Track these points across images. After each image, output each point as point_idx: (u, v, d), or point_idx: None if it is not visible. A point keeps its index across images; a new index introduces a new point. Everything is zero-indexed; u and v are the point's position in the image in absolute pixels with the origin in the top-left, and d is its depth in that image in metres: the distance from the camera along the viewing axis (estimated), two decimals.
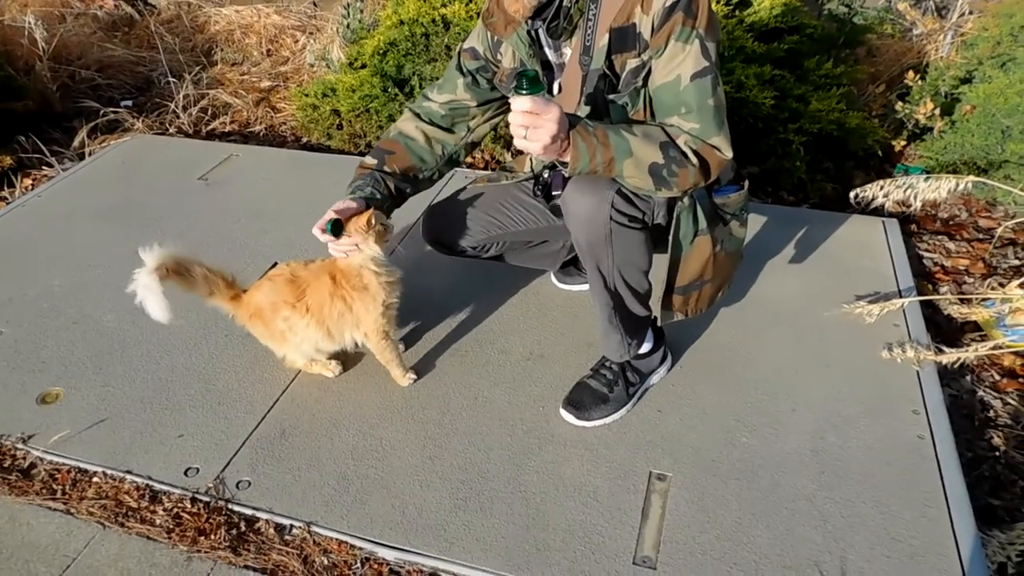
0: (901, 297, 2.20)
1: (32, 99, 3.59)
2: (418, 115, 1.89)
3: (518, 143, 1.45)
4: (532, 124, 1.40)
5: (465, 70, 1.82)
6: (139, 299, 1.73)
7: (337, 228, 1.67)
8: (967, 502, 1.64)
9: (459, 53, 1.84)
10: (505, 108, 1.88)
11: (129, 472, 1.76)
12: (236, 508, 1.67)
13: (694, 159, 1.52)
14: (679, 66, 1.52)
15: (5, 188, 3.10)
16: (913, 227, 2.66)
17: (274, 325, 1.87)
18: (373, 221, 1.69)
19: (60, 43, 4.04)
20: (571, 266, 2.32)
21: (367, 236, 1.70)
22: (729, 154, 1.56)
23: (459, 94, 1.85)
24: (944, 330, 2.21)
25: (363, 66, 3.27)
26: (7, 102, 3.35)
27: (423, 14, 3.01)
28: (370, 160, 1.85)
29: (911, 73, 2.74)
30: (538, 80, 1.40)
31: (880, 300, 2.15)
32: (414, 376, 2.01)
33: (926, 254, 2.54)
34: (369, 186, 1.79)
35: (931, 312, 2.24)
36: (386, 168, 1.83)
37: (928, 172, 2.72)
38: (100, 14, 4.69)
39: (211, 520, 1.64)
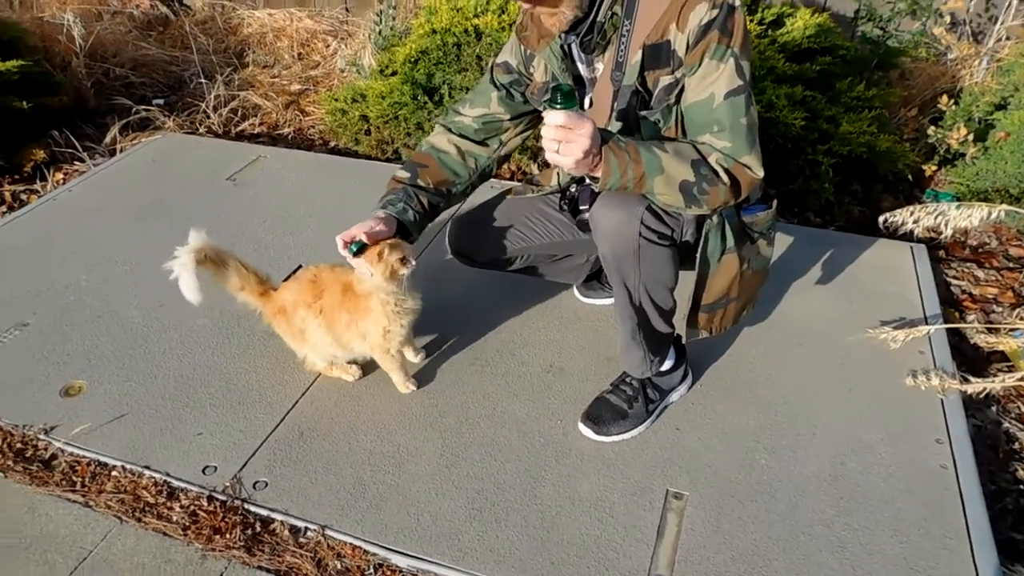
0: (927, 324, 2.17)
1: (67, 95, 3.64)
2: (449, 129, 1.89)
3: (550, 157, 1.45)
4: (565, 139, 1.41)
5: (498, 84, 1.83)
6: (175, 275, 1.77)
7: (360, 249, 1.67)
8: (989, 535, 1.61)
9: (492, 67, 1.85)
10: (536, 121, 1.89)
11: (148, 467, 1.78)
12: (252, 508, 1.68)
13: (725, 177, 1.52)
14: (713, 84, 1.51)
15: (37, 181, 3.15)
16: (941, 253, 2.63)
17: (294, 323, 1.89)
18: (386, 254, 1.68)
19: (96, 41, 4.10)
20: (594, 280, 2.32)
21: (378, 269, 1.70)
22: (760, 173, 1.56)
23: (492, 108, 1.86)
24: (970, 359, 2.17)
25: (393, 73, 3.29)
26: (43, 97, 3.40)
27: (456, 24, 3.03)
28: (402, 173, 1.86)
29: (945, 98, 2.71)
30: (572, 95, 1.41)
31: (905, 326, 2.13)
32: (414, 386, 2.00)
33: (954, 281, 2.51)
34: (401, 201, 1.79)
35: (957, 340, 2.21)
36: (419, 182, 1.83)
37: (959, 198, 2.69)
38: (136, 13, 4.76)
39: (227, 519, 1.65)
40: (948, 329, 2.19)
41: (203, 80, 3.98)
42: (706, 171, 1.51)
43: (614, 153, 1.46)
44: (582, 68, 1.70)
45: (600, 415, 1.88)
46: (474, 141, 1.89)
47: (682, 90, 1.56)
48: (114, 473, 1.77)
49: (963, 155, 2.70)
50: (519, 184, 2.11)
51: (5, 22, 3.66)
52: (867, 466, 1.77)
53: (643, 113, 1.61)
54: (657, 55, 1.55)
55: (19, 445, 1.84)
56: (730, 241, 1.67)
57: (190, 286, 1.78)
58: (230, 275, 1.89)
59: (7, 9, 4.23)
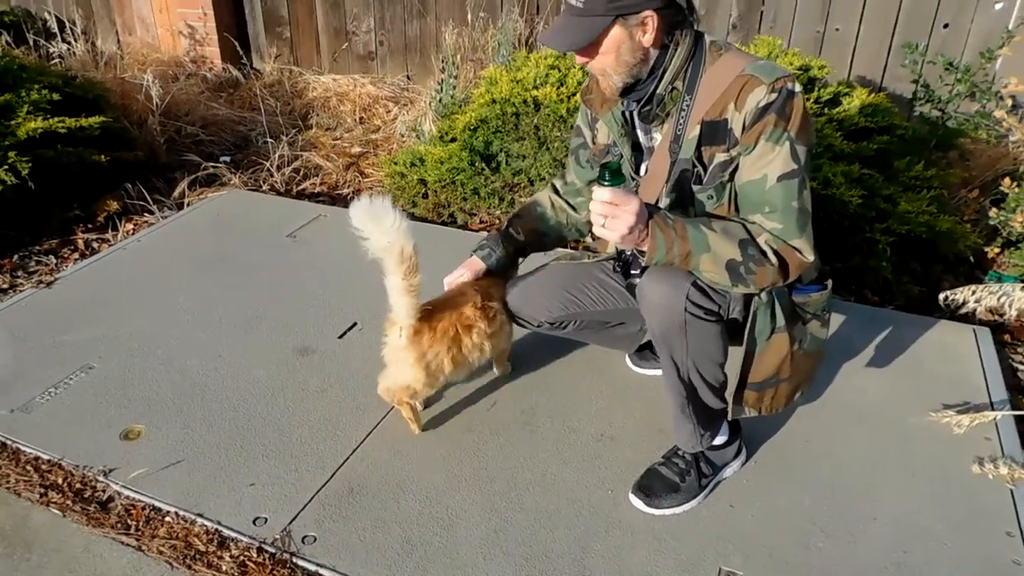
0: (993, 409, 2.11)
1: (141, 150, 3.83)
2: (555, 188, 2.06)
3: (597, 231, 1.50)
4: (611, 214, 1.46)
5: (571, 149, 1.90)
6: (389, 240, 1.72)
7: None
8: None
9: (572, 138, 1.94)
10: None
11: (200, 515, 1.79)
12: (300, 562, 1.68)
13: (773, 258, 1.52)
14: (767, 165, 1.53)
15: (109, 231, 3.29)
16: (1007, 337, 2.57)
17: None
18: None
19: (171, 100, 4.33)
20: (647, 350, 2.31)
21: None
22: (811, 258, 1.56)
23: (570, 176, 1.98)
24: None
25: (453, 139, 3.39)
26: (119, 151, 3.58)
27: (515, 95, 3.13)
28: (505, 222, 2.08)
29: (1007, 180, 2.69)
30: (620, 172, 1.46)
31: (970, 410, 2.07)
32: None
33: (1021, 367, 2.43)
34: (488, 247, 2.04)
35: None
36: (511, 230, 2.04)
37: (1023, 281, 2.63)
38: (209, 76, 5.01)
39: (275, 571, 1.65)
40: (1016, 416, 2.12)
41: (268, 140, 4.15)
42: (754, 251, 1.52)
43: (661, 229, 1.49)
44: (641, 136, 1.74)
45: (652, 487, 1.84)
46: (567, 203, 2.03)
47: (736, 168, 1.59)
48: (167, 519, 1.79)
49: None
50: (576, 251, 2.14)
51: (91, 81, 3.90)
52: (932, 556, 1.70)
53: (697, 187, 1.63)
54: (714, 132, 1.58)
55: (79, 485, 1.88)
56: (780, 320, 1.65)
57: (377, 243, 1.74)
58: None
59: (93, 69, 4.49)
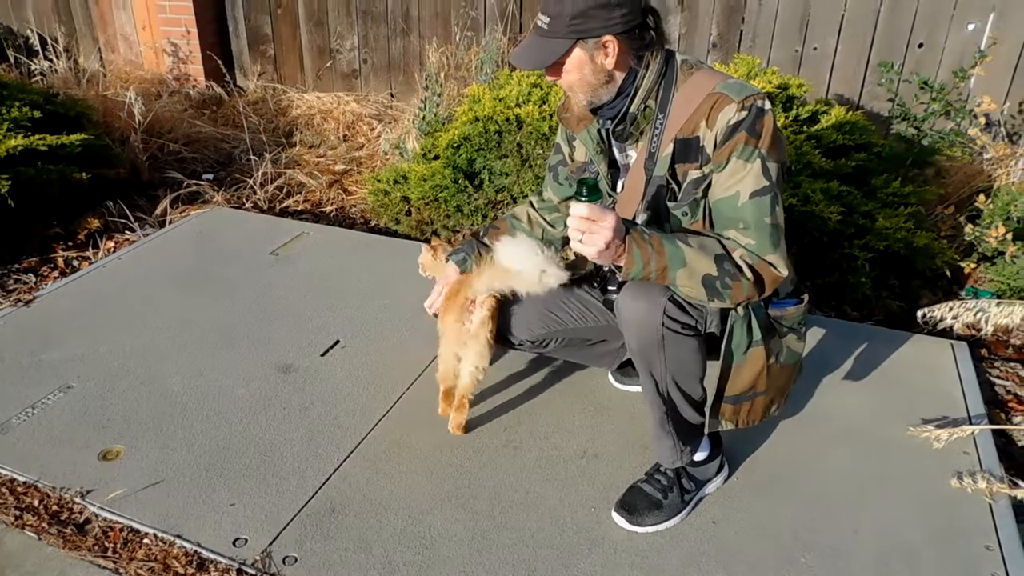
0: (971, 424, 2.13)
1: (123, 167, 3.81)
2: (532, 204, 2.07)
3: (574, 246, 1.51)
4: (588, 229, 1.47)
5: (551, 166, 1.92)
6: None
7: None
8: None
9: (552, 155, 1.97)
10: None
11: (179, 536, 1.77)
12: None
13: (749, 273, 1.54)
14: (739, 183, 1.56)
15: (90, 249, 3.26)
16: (983, 352, 2.60)
17: None
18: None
19: (154, 117, 4.32)
20: (629, 366, 2.31)
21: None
22: (784, 272, 1.58)
23: (547, 192, 2.01)
24: (1018, 462, 2.11)
25: (436, 157, 3.40)
26: (101, 169, 3.55)
27: (498, 112, 3.15)
28: (481, 230, 2.12)
29: (982, 197, 2.74)
30: (597, 188, 1.48)
31: (948, 425, 2.09)
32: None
33: (998, 381, 2.46)
34: (463, 252, 2.05)
35: (1004, 443, 2.16)
36: (485, 240, 2.05)
37: (999, 296, 2.67)
38: (192, 93, 5.01)
39: None
40: (994, 430, 2.14)
41: (252, 157, 4.14)
42: (729, 266, 1.54)
43: (637, 244, 1.50)
44: (617, 154, 1.77)
45: (634, 504, 1.84)
46: (544, 219, 2.05)
47: (709, 185, 1.61)
48: (146, 541, 1.77)
49: (1003, 253, 2.70)
50: None
51: (73, 98, 3.88)
52: (913, 570, 1.71)
53: (671, 204, 1.66)
54: (687, 150, 1.61)
55: (55, 507, 1.85)
56: (756, 334, 1.66)
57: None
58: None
59: (75, 87, 4.47)
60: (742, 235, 1.57)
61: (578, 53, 1.57)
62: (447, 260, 2.07)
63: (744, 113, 1.53)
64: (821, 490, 1.94)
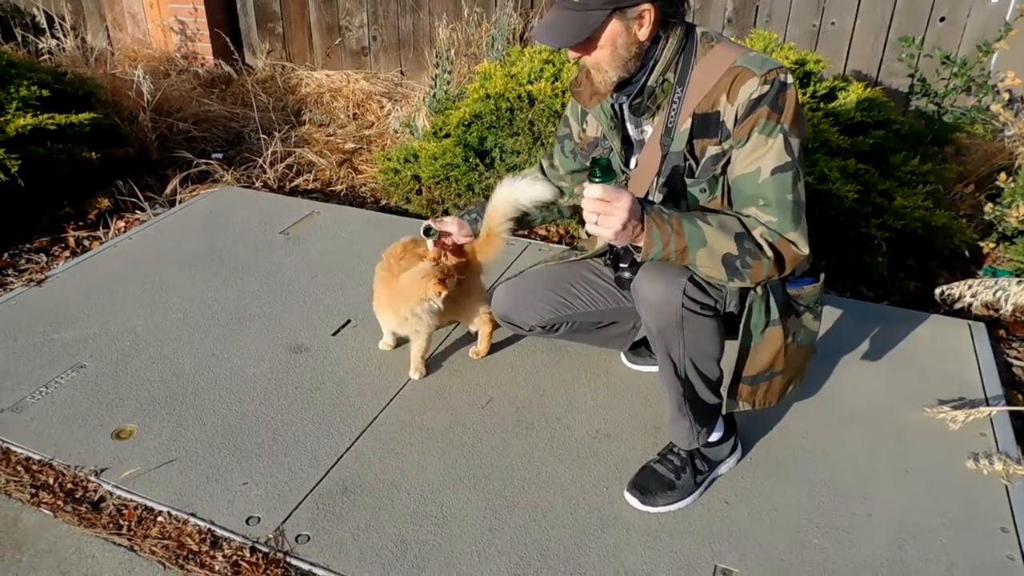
0: (988, 405, 2.10)
1: (132, 147, 3.80)
2: (542, 167, 2.05)
3: (590, 228, 1.47)
4: (603, 211, 1.43)
5: (558, 136, 1.93)
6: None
7: (427, 233, 2.00)
8: None
9: (562, 122, 1.94)
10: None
11: (193, 515, 1.78)
12: (294, 562, 1.67)
13: (769, 252, 1.51)
14: (761, 159, 1.52)
15: (100, 228, 3.26)
16: (1002, 333, 2.56)
17: None
18: (429, 281, 1.98)
19: (163, 96, 4.30)
20: (642, 347, 2.30)
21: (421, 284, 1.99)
22: (806, 250, 1.55)
23: (555, 161, 1.97)
24: None
25: (447, 135, 3.37)
26: (110, 148, 3.55)
27: (509, 90, 3.11)
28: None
29: (1004, 175, 2.68)
30: (610, 168, 1.45)
31: (965, 406, 2.06)
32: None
33: (1016, 362, 2.43)
34: (475, 212, 2.07)
35: (1021, 424, 2.13)
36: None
37: (1018, 276, 2.63)
38: (201, 72, 4.98)
39: (269, 571, 1.64)
40: (1011, 412, 2.11)
41: (261, 136, 4.12)
42: (750, 245, 1.51)
43: (656, 224, 1.47)
44: (631, 129, 1.73)
45: (647, 485, 1.84)
46: (553, 184, 2.01)
47: (728, 161, 1.57)
48: (160, 519, 1.78)
49: (1023, 233, 2.66)
50: (565, 250, 2.13)
51: (81, 77, 3.86)
52: (927, 552, 1.70)
53: (689, 181, 1.62)
54: (706, 125, 1.57)
55: (70, 485, 1.86)
56: (774, 314, 1.64)
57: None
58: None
59: (83, 66, 4.46)
60: (763, 212, 1.53)
61: (614, 25, 1.51)
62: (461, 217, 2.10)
63: (767, 87, 1.49)
64: (835, 472, 1.93)
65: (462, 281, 2.08)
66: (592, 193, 1.43)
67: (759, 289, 1.61)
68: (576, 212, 2.00)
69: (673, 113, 1.60)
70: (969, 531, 1.75)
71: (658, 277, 1.58)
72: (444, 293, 1.99)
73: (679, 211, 1.54)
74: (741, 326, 1.65)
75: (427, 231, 1.99)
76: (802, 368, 1.80)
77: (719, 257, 1.50)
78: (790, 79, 1.52)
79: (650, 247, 1.48)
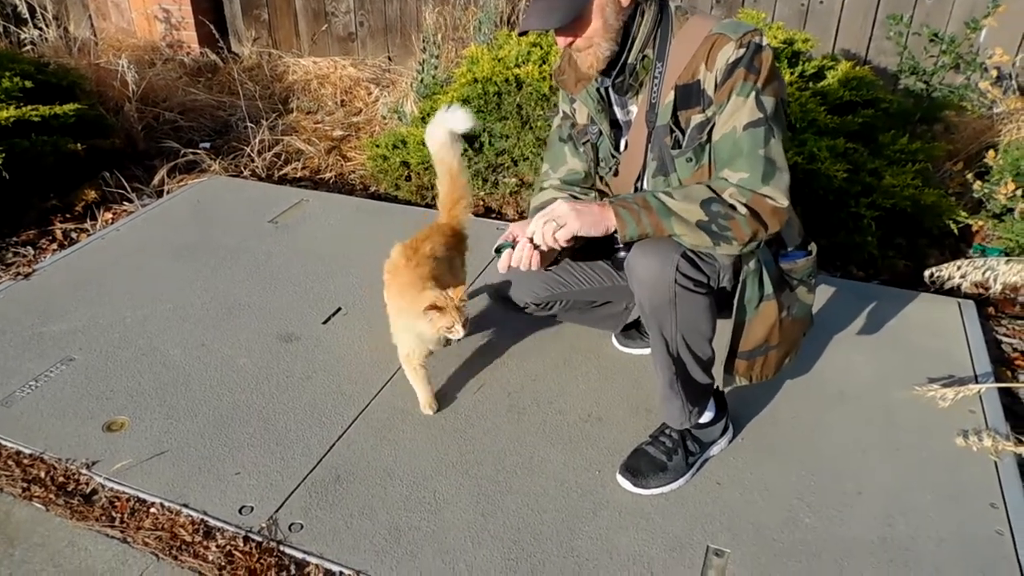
0: (977, 382, 2.12)
1: (118, 138, 3.76)
2: (554, 186, 1.91)
3: (562, 235, 1.57)
4: (556, 223, 1.56)
5: (564, 137, 1.87)
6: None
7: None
8: None
9: (557, 126, 1.91)
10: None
11: (186, 505, 1.78)
12: (287, 551, 1.67)
13: (743, 209, 1.53)
14: (734, 117, 1.55)
15: (88, 220, 3.24)
16: (990, 310, 2.57)
17: None
18: (440, 317, 1.85)
19: (148, 86, 4.25)
20: (633, 329, 2.30)
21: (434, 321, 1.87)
22: (784, 202, 1.55)
23: (570, 163, 1.88)
24: None
25: None
26: (96, 139, 3.51)
27: (497, 73, 3.09)
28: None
29: (992, 152, 2.68)
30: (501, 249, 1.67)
31: (955, 384, 2.07)
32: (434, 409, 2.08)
33: (1005, 339, 2.44)
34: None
35: (1010, 401, 2.14)
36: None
37: (1007, 254, 2.64)
38: (187, 60, 4.93)
39: (262, 560, 1.64)
40: (1000, 389, 2.13)
41: (249, 125, 4.09)
42: (718, 207, 1.52)
43: (622, 206, 1.54)
44: (618, 112, 1.74)
45: (639, 467, 1.84)
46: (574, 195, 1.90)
47: (713, 127, 1.59)
48: (152, 510, 1.78)
49: (1011, 210, 2.66)
50: None
51: (65, 68, 3.82)
52: (917, 529, 1.71)
53: (676, 152, 1.64)
54: (688, 95, 1.59)
55: (61, 479, 1.86)
56: (768, 288, 1.66)
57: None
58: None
59: (66, 55, 4.40)
60: (734, 172, 1.55)
61: None
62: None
63: (742, 50, 1.51)
64: (825, 451, 1.94)
65: (449, 259, 2.08)
66: (521, 244, 1.62)
67: (752, 263, 1.63)
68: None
69: (656, 89, 1.62)
70: (959, 507, 1.76)
71: (650, 253, 1.60)
72: (461, 337, 1.91)
73: (641, 192, 1.59)
74: (735, 301, 1.67)
75: (499, 249, 1.73)
76: (797, 341, 1.81)
77: (693, 224, 1.53)
78: (765, 41, 1.55)
79: (624, 227, 1.53)
